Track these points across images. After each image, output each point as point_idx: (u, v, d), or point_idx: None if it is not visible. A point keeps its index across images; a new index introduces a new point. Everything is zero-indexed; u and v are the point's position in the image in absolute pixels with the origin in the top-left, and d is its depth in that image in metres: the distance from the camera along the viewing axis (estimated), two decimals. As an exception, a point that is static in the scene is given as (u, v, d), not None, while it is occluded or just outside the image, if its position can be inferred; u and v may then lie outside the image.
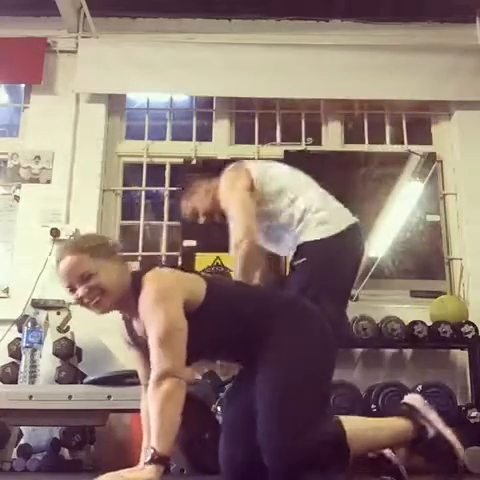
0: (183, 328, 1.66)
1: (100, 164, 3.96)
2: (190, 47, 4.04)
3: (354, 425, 1.67)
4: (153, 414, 1.59)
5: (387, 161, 4.10)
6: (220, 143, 4.14)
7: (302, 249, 2.38)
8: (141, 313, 1.70)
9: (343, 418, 1.66)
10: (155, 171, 4.14)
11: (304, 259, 2.35)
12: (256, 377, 1.70)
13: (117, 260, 1.79)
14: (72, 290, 1.72)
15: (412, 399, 1.78)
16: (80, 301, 1.72)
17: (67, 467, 3.00)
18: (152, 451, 1.54)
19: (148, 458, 1.54)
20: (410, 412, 1.74)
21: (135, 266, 2.13)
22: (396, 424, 1.73)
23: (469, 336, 3.31)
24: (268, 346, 1.70)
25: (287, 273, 2.47)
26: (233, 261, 2.22)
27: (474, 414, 3.11)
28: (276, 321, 1.73)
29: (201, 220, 2.50)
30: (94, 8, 3.94)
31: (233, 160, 2.83)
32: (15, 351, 3.17)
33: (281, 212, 2.37)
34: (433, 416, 1.73)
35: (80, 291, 1.70)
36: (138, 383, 2.73)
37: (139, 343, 1.81)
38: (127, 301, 1.74)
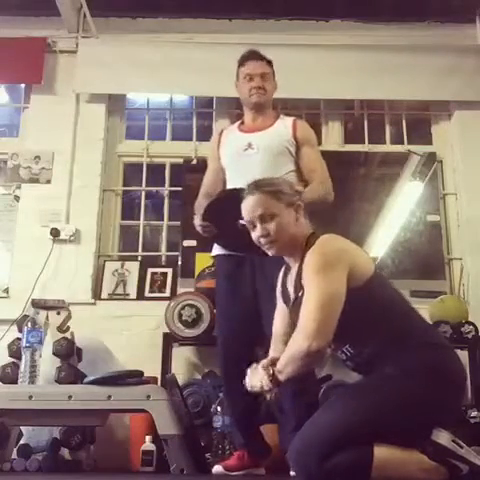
0: (342, 299, 1.70)
1: (100, 164, 3.96)
2: (190, 47, 4.04)
3: (383, 452, 1.64)
4: (289, 349, 1.73)
5: (387, 161, 4.10)
6: (220, 143, 4.14)
7: None
8: (305, 271, 1.76)
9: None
10: (155, 171, 4.14)
11: None
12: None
13: (300, 213, 1.89)
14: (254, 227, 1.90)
15: (439, 437, 1.68)
16: (257, 239, 1.90)
17: (67, 467, 2.99)
18: (273, 371, 1.74)
19: (270, 372, 1.74)
20: (439, 454, 1.65)
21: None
22: (427, 463, 1.65)
23: (469, 336, 3.31)
24: (388, 366, 1.72)
25: None
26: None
27: (474, 414, 3.11)
28: (414, 353, 1.73)
29: None
30: (94, 8, 3.94)
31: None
32: (15, 351, 3.17)
33: None
34: (463, 451, 1.66)
35: (258, 230, 1.87)
36: (138, 383, 2.75)
37: (286, 296, 1.89)
38: (295, 252, 1.84)
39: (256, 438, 2.55)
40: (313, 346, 1.65)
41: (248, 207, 1.90)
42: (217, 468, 2.52)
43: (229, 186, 2.68)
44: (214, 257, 2.68)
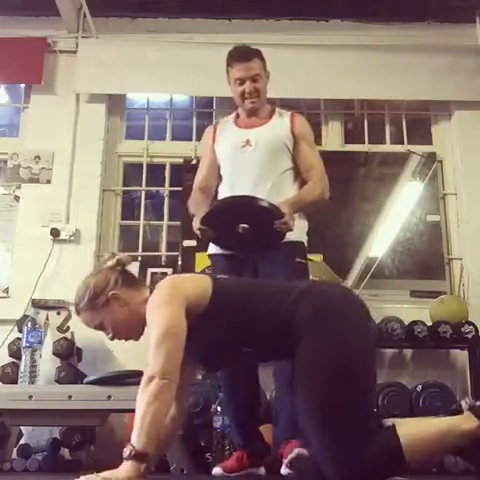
0: (179, 332, 1.66)
1: (100, 164, 3.96)
2: (190, 47, 4.04)
3: (409, 430, 1.57)
4: (137, 412, 1.60)
5: (387, 161, 4.10)
6: (220, 143, 4.14)
7: (301, 248, 2.49)
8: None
9: (398, 422, 1.59)
10: (155, 171, 4.15)
11: (304, 261, 2.47)
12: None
13: (121, 297, 1.82)
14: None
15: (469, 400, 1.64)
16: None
17: (67, 467, 2.99)
18: (131, 447, 1.55)
19: (126, 454, 1.56)
20: (474, 408, 1.58)
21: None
22: (457, 425, 1.56)
23: (469, 336, 3.31)
24: (299, 348, 1.66)
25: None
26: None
27: (474, 414, 3.10)
28: (303, 322, 1.68)
29: None
30: (94, 8, 3.94)
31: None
32: (15, 351, 3.17)
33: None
34: None
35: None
36: (138, 383, 2.74)
37: None
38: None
39: (255, 438, 2.54)
40: (161, 378, 1.61)
41: (85, 324, 1.89)
42: (216, 470, 2.52)
43: (226, 183, 2.63)
44: (210, 256, 2.64)
